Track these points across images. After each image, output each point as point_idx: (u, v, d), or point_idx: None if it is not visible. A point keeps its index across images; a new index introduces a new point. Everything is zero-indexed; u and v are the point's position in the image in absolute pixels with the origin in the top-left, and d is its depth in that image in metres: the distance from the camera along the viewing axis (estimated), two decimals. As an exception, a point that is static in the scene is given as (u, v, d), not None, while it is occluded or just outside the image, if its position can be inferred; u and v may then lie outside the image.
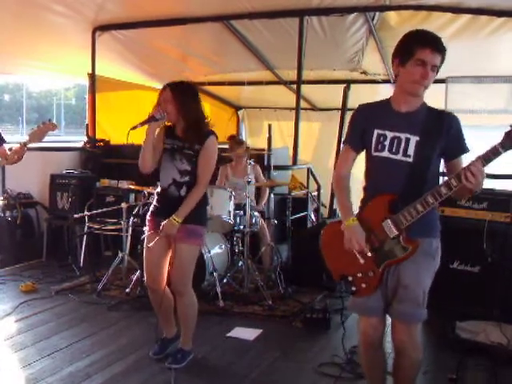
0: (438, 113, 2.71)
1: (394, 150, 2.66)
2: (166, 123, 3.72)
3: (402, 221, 2.59)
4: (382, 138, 2.69)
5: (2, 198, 6.64)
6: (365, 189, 2.84)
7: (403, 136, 2.65)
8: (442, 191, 2.50)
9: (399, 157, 2.65)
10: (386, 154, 2.68)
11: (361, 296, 2.76)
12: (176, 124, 3.72)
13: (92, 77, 7.74)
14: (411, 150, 2.63)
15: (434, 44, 2.57)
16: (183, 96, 3.64)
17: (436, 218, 2.76)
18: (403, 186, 2.62)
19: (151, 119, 3.60)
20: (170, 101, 3.61)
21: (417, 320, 2.77)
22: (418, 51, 2.55)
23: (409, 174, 2.62)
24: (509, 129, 2.35)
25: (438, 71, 2.62)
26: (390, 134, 2.68)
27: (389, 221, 2.63)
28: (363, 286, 2.73)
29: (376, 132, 2.71)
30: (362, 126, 2.78)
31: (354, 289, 2.76)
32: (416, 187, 2.60)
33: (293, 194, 6.43)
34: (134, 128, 3.60)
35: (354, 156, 2.86)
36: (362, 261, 2.72)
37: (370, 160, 2.78)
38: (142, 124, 3.61)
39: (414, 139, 2.63)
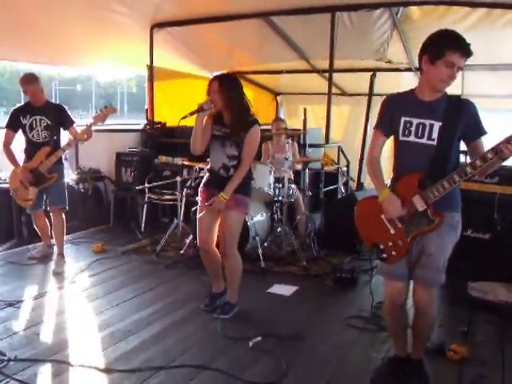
0: (457, 100, 2.65)
1: (419, 135, 2.63)
2: (214, 111, 3.68)
3: (430, 196, 2.57)
4: (408, 125, 2.65)
5: (76, 173, 6.79)
6: (394, 169, 2.80)
7: (427, 122, 2.61)
8: (468, 170, 2.47)
9: (424, 140, 2.61)
10: (412, 138, 2.65)
11: (391, 262, 2.74)
12: (223, 112, 3.69)
13: (150, 68, 7.76)
14: (435, 134, 2.59)
15: (465, 49, 2.48)
16: (229, 88, 3.61)
17: (458, 194, 2.72)
18: (429, 165, 2.59)
19: (200, 110, 3.60)
20: (217, 91, 3.59)
21: (437, 284, 2.77)
22: (449, 54, 2.48)
23: (433, 156, 2.59)
24: None
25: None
26: (415, 121, 2.64)
27: (418, 196, 2.60)
28: (393, 253, 2.71)
29: (403, 119, 2.67)
30: (390, 114, 2.74)
31: (384, 256, 2.74)
32: (440, 166, 2.58)
33: (325, 169, 6.34)
34: (184, 118, 3.65)
35: (383, 140, 2.82)
36: (392, 231, 2.70)
37: (397, 144, 2.73)
38: (192, 114, 3.62)
39: (437, 124, 2.58)
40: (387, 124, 2.77)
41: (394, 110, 2.72)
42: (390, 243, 2.71)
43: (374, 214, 2.75)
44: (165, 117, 8.00)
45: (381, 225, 2.72)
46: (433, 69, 2.56)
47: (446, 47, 2.49)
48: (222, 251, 3.82)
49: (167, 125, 7.84)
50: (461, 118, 2.58)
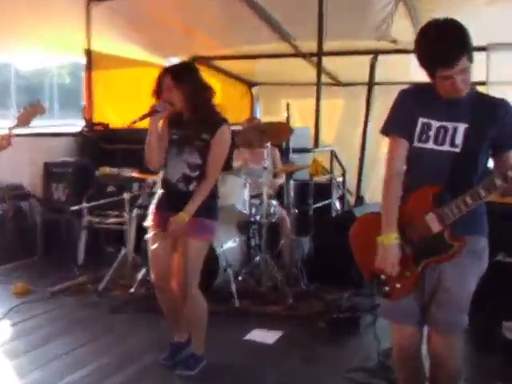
0: (490, 99, 2.69)
1: (440, 141, 2.62)
2: (171, 111, 3.71)
3: (449, 214, 2.54)
4: (426, 128, 2.65)
5: (-10, 190, 6.69)
6: (404, 180, 2.77)
7: (450, 125, 2.61)
8: (497, 183, 2.44)
9: (445, 148, 2.61)
10: (430, 145, 2.64)
11: (395, 298, 2.72)
12: (183, 112, 3.71)
13: (88, 53, 7.75)
14: (459, 140, 2.59)
15: (453, 58, 2.44)
16: (187, 82, 3.64)
17: (484, 213, 2.72)
18: (448, 177, 2.59)
19: (153, 112, 3.62)
20: (173, 88, 3.60)
21: (458, 329, 2.74)
22: (441, 71, 2.48)
23: (455, 165, 2.59)
24: None
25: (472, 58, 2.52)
26: (435, 124, 2.64)
27: (432, 214, 2.58)
28: (398, 286, 2.69)
29: (420, 121, 2.66)
30: (407, 112, 2.71)
31: (386, 289, 2.72)
32: (463, 179, 2.58)
33: (315, 179, 6.38)
34: (134, 123, 3.65)
35: (405, 145, 2.73)
36: None
37: (410, 150, 2.71)
38: (143, 118, 3.65)
39: (462, 127, 2.59)
40: (407, 124, 2.72)
41: (411, 107, 2.71)
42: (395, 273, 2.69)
43: (374, 236, 2.73)
44: (108, 116, 7.99)
45: None
46: (435, 82, 2.58)
47: (434, 66, 2.50)
48: (179, 290, 3.79)
49: (111, 127, 7.81)
50: (494, 119, 2.58)
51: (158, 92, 3.66)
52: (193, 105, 3.64)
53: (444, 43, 2.46)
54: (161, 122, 3.73)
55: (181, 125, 3.73)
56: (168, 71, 3.68)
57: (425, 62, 2.55)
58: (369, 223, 2.85)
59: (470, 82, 2.56)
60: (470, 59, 2.48)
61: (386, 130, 2.80)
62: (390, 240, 2.66)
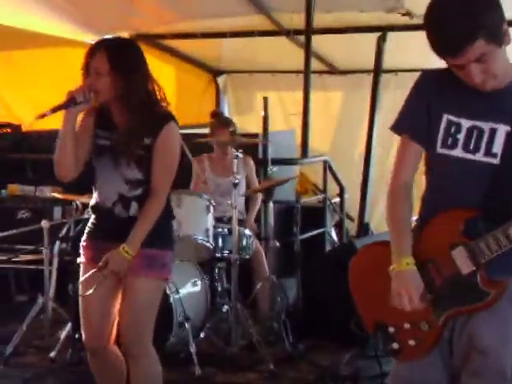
0: None
1: (471, 148, 2.61)
2: (95, 104, 3.65)
3: (484, 251, 2.52)
4: (454, 129, 2.64)
5: None
6: (424, 200, 2.82)
7: (486, 126, 2.60)
8: None
9: (479, 157, 2.61)
10: (458, 152, 2.64)
11: (406, 359, 2.73)
12: (112, 107, 3.69)
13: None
14: (498, 147, 2.58)
15: (459, 45, 2.39)
16: (127, 65, 3.58)
17: None
18: (484, 198, 2.58)
19: (70, 102, 3.53)
20: (105, 72, 3.53)
21: None
22: (448, 60, 2.48)
23: (493, 182, 2.59)
24: None
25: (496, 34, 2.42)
26: (466, 124, 2.62)
27: (462, 249, 2.57)
28: (411, 343, 2.68)
29: (446, 118, 2.66)
30: (427, 104, 2.71)
31: (395, 347, 2.72)
32: (504, 201, 2.58)
33: (303, 201, 6.41)
34: (43, 116, 3.54)
35: (419, 150, 2.78)
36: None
37: (432, 159, 2.75)
38: (55, 110, 3.55)
39: (502, 130, 2.58)
40: (423, 122, 2.74)
41: (433, 98, 2.71)
42: (407, 325, 2.70)
43: (381, 274, 2.75)
44: (17, 115, 7.93)
45: None
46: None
47: (441, 54, 2.49)
48: (126, 350, 3.75)
49: (23, 129, 7.75)
50: None
51: (85, 73, 3.59)
52: (128, 98, 3.59)
53: (446, 23, 2.43)
54: (80, 118, 3.65)
55: (111, 125, 3.70)
56: (101, 46, 3.57)
57: (434, 50, 2.49)
58: (374, 256, 2.90)
59: (499, 70, 2.50)
60: (494, 40, 2.40)
61: (394, 128, 2.84)
62: (402, 266, 2.65)
